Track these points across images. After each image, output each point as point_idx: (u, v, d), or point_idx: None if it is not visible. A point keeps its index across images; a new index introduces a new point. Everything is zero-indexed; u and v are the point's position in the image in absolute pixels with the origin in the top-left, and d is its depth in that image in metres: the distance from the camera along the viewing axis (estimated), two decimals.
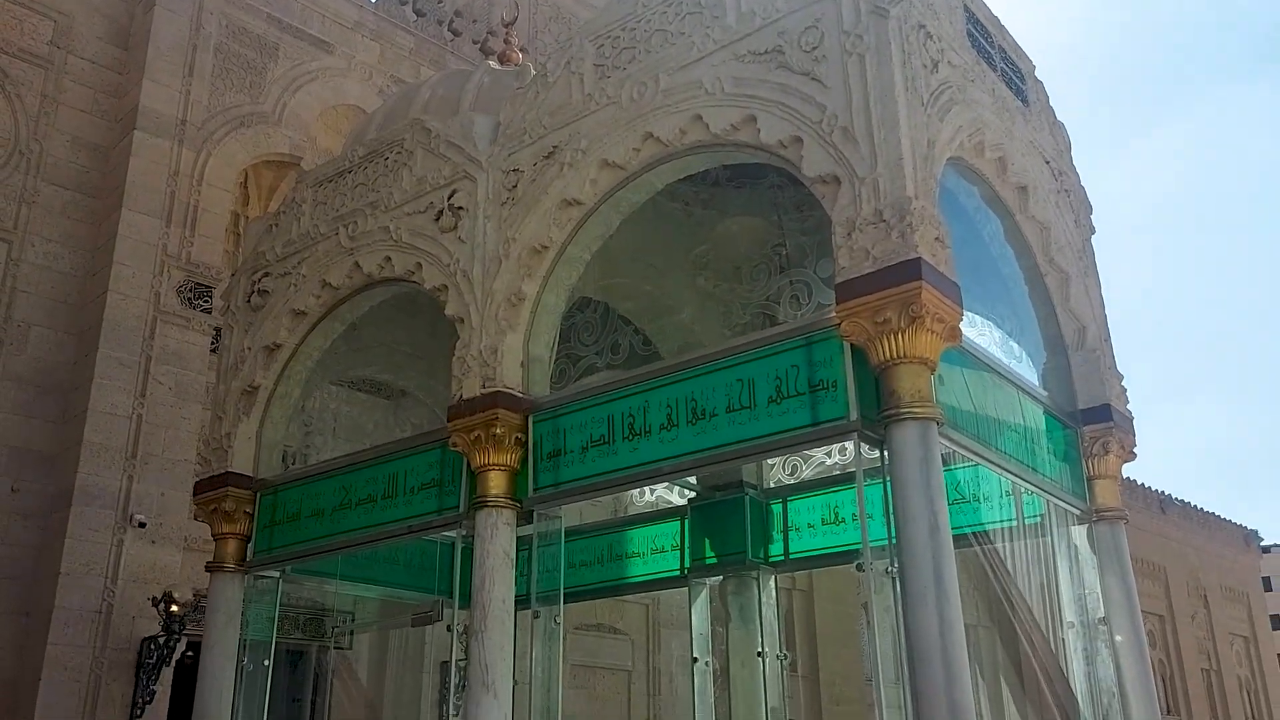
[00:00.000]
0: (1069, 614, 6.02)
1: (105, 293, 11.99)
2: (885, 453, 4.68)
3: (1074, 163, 6.93)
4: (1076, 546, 6.11)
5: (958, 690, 4.09)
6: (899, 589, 4.42)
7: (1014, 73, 6.41)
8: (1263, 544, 47.56)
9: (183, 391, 12.31)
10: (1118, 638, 5.84)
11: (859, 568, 4.74)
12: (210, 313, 12.64)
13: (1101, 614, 5.93)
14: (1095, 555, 6.06)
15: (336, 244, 7.40)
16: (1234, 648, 39.29)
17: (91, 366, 11.75)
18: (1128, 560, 6.11)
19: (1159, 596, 35.06)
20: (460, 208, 6.62)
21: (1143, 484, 35.81)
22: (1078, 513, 6.15)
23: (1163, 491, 36.79)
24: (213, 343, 12.72)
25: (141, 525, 11.59)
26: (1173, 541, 36.13)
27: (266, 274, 7.89)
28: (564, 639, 6.01)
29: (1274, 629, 49.47)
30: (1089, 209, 6.90)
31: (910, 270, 4.61)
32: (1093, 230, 6.89)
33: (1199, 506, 38.90)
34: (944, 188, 5.47)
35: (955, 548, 7.21)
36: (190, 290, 12.65)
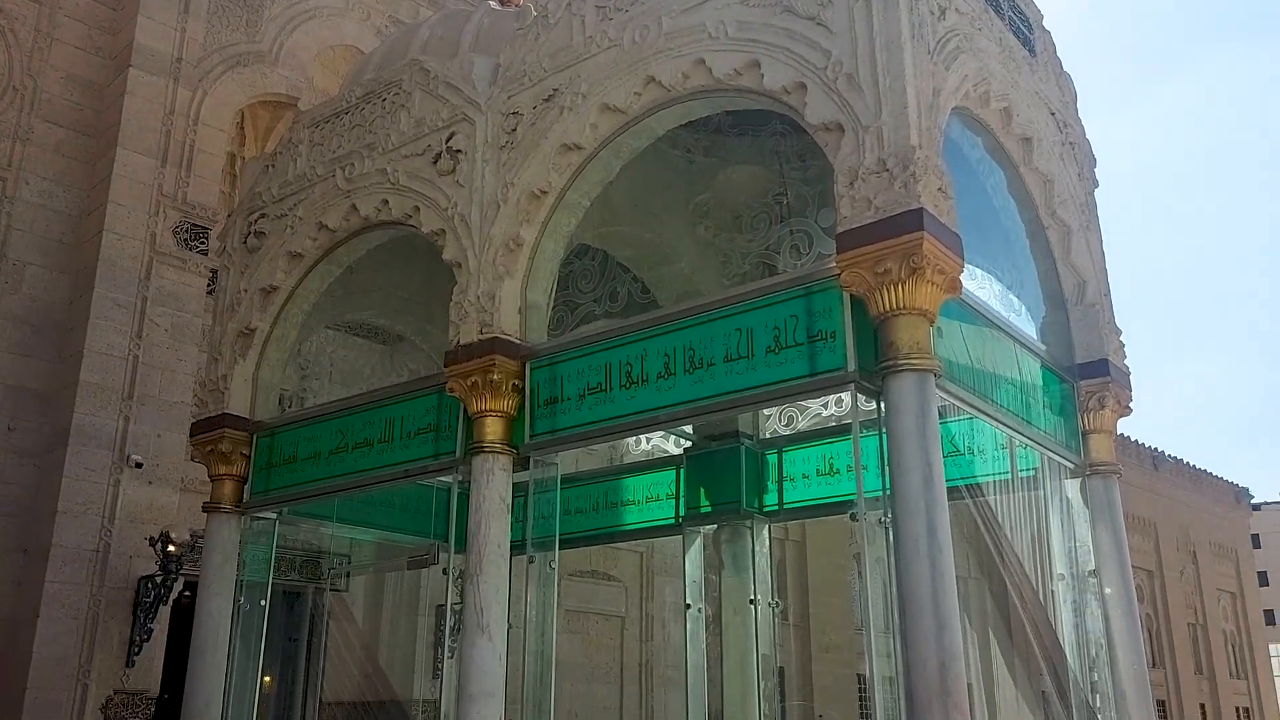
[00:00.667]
0: (1059, 566, 6.07)
1: (101, 232, 11.91)
2: (882, 404, 4.67)
3: (1079, 115, 6.86)
4: (1069, 500, 6.14)
5: (948, 637, 4.13)
6: (891, 539, 4.44)
7: (1021, 22, 6.32)
8: (1253, 501, 47.97)
9: (179, 333, 12.28)
10: (1107, 590, 5.90)
11: (853, 517, 4.76)
12: (207, 254, 12.56)
13: (1092, 567, 5.98)
14: (1087, 509, 6.10)
15: (333, 186, 7.34)
16: (1221, 603, 39.80)
17: (87, 306, 11.70)
18: (1120, 514, 6.15)
19: (1149, 552, 35.43)
20: (459, 151, 6.55)
21: (1136, 440, 36.03)
22: (1071, 466, 6.17)
23: (1156, 448, 37.03)
24: (209, 285, 12.66)
25: (138, 466, 11.62)
26: (1164, 498, 36.44)
27: (263, 215, 7.83)
28: (559, 584, 6.05)
29: (1261, 585, 50.09)
30: (1093, 162, 6.84)
31: (912, 221, 4.57)
32: (1096, 184, 6.83)
33: (1191, 464, 39.17)
34: (948, 138, 5.41)
35: (949, 500, 7.30)
36: (186, 231, 12.56)
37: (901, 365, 4.56)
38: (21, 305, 11.86)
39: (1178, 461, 38.13)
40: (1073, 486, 6.18)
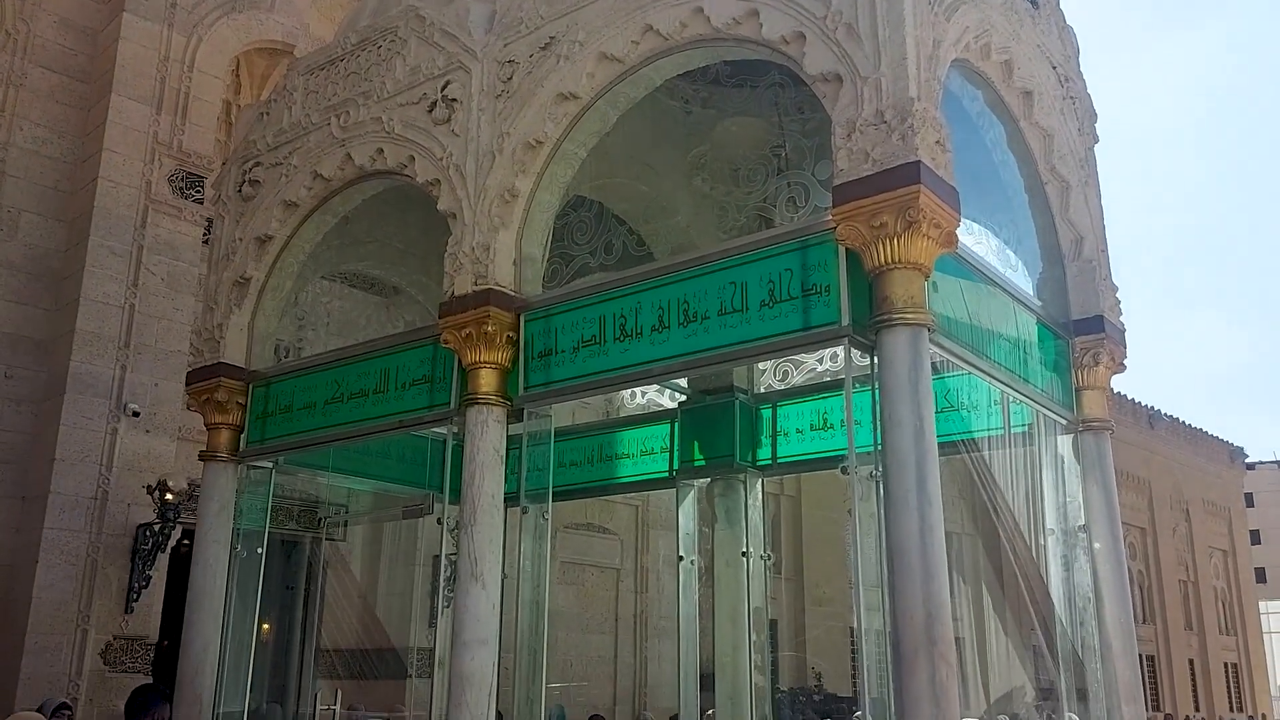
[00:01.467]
0: (1050, 521, 6.11)
1: (95, 180, 11.84)
2: (875, 358, 4.67)
3: (1080, 69, 6.78)
4: (1061, 456, 6.17)
5: (935, 589, 4.16)
6: (882, 493, 4.46)
7: None
8: (1247, 461, 48.24)
9: (175, 282, 12.26)
10: (1096, 545, 5.94)
11: (844, 471, 4.77)
12: (202, 203, 12.51)
13: (1082, 522, 6.01)
14: (1079, 464, 6.12)
15: (328, 134, 7.28)
16: (1212, 560, 40.18)
17: (83, 255, 11.67)
18: (1111, 470, 6.18)
19: (1142, 509, 35.68)
20: (454, 100, 6.48)
21: (1132, 398, 36.16)
22: (1064, 423, 6.18)
23: (1152, 406, 37.16)
24: (205, 233, 12.61)
25: (135, 414, 11.66)
26: (1159, 456, 36.63)
27: (257, 164, 7.77)
28: (554, 536, 6.09)
29: (1253, 544, 50.54)
30: (1093, 117, 6.78)
31: (909, 174, 4.54)
32: (1096, 139, 6.77)
33: (1187, 422, 39.33)
34: (947, 91, 5.35)
35: (943, 455, 7.33)
36: (182, 180, 12.50)
37: (895, 320, 4.55)
38: (17, 253, 11.82)
39: (1173, 420, 38.29)
40: (1065, 442, 6.20)
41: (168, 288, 12.17)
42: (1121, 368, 6.32)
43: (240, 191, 7.82)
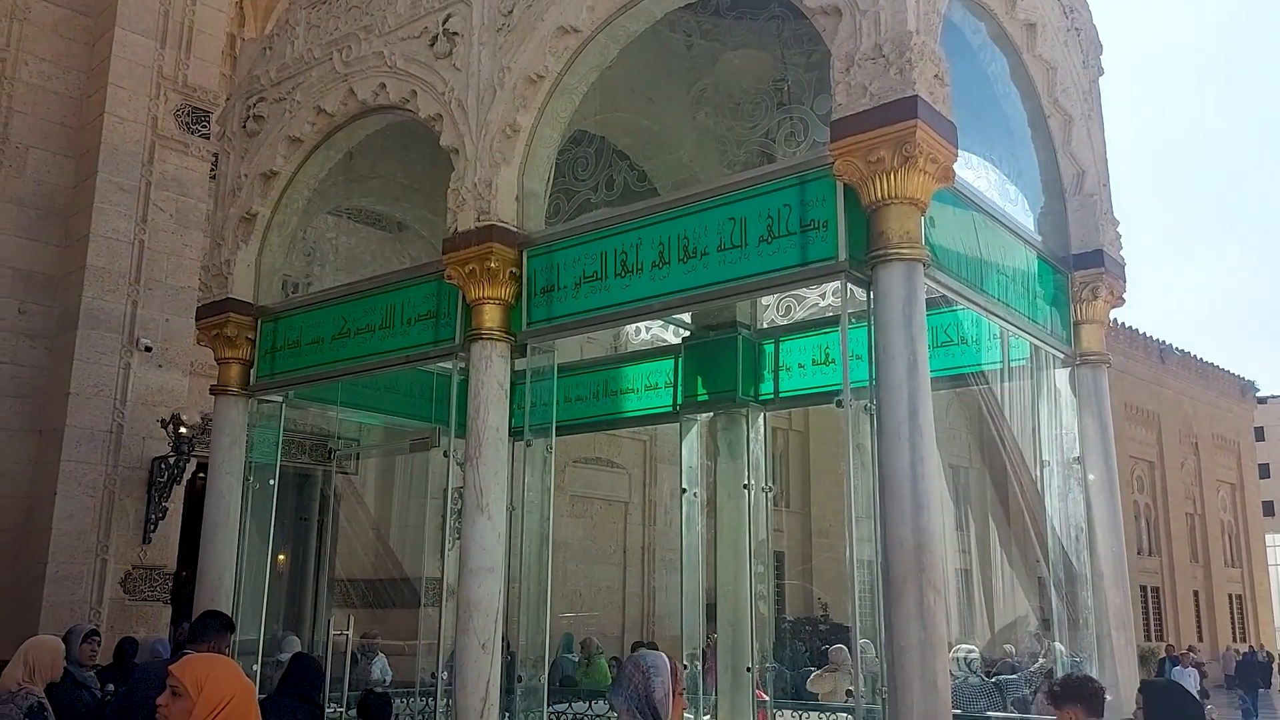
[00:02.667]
0: (1046, 453, 6.20)
1: (102, 115, 11.84)
2: (871, 293, 4.72)
3: None
4: (1058, 389, 6.23)
5: (925, 518, 4.26)
6: (876, 425, 4.54)
7: None
8: (1259, 395, 48.19)
9: (183, 218, 12.31)
10: (1091, 476, 6.03)
11: (839, 404, 4.85)
12: (208, 138, 12.50)
13: (1077, 454, 6.09)
14: (1076, 398, 6.18)
15: (331, 69, 7.27)
16: (1219, 494, 40.39)
17: (91, 191, 11.72)
18: (1107, 403, 6.24)
19: (1151, 443, 35.82)
20: (455, 33, 6.47)
21: (1144, 333, 36.05)
22: (1062, 356, 6.24)
23: (1163, 340, 37.06)
24: (212, 169, 12.62)
25: (148, 350, 11.80)
26: (1169, 390, 36.65)
27: (261, 99, 7.78)
28: (563, 471, 6.21)
29: (1262, 477, 50.73)
30: (1099, 49, 6.71)
31: (906, 108, 4.54)
32: (1101, 71, 6.72)
33: (1198, 356, 39.26)
34: (949, 23, 5.32)
35: (947, 388, 7.40)
36: (188, 115, 12.48)
37: (891, 255, 4.59)
38: (26, 189, 11.87)
39: (1184, 354, 38.21)
40: (1062, 376, 6.26)
41: (176, 224, 12.22)
42: (1120, 302, 6.34)
43: (245, 127, 7.84)
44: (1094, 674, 5.75)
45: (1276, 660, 32.64)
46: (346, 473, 13.36)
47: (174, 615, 11.83)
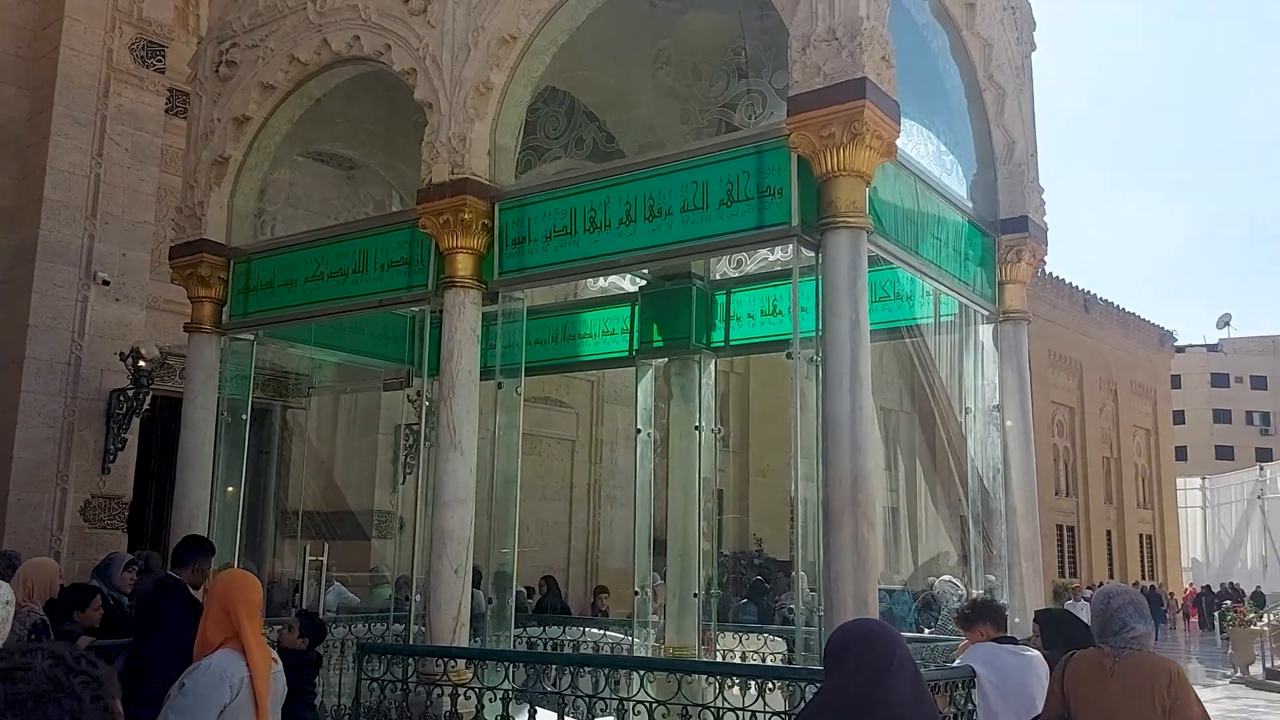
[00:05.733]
0: (969, 401, 6.82)
1: (57, 48, 11.78)
2: (820, 255, 5.22)
3: None
4: (982, 343, 6.83)
5: (861, 458, 4.82)
6: (820, 375, 5.07)
7: None
8: (1177, 344, 50.15)
9: (139, 153, 12.35)
10: (1008, 422, 6.66)
11: (789, 356, 5.38)
12: (164, 72, 12.51)
13: (996, 402, 6.72)
14: (997, 351, 6.79)
15: (305, 19, 7.50)
16: (1135, 439, 42.14)
17: (48, 123, 11.71)
18: (1025, 356, 6.87)
19: (1072, 390, 37.23)
20: None
21: (1070, 283, 37.27)
22: (987, 313, 6.83)
23: (1088, 290, 38.33)
24: (167, 104, 12.67)
25: (105, 283, 11.91)
26: (1091, 339, 38.02)
27: (234, 44, 7.97)
28: (498, 408, 6.63)
29: (1177, 423, 52.97)
30: (1032, 26, 7.23)
31: (856, 89, 5.01)
32: (1034, 47, 7.24)
33: (1120, 306, 40.68)
34: (897, 2, 5.78)
35: (884, 339, 7.96)
36: (143, 49, 12.45)
37: (839, 223, 5.08)
38: None
39: (1107, 304, 39.57)
40: (986, 331, 6.86)
41: (132, 158, 12.25)
42: (1042, 264, 6.95)
43: (217, 72, 8.04)
44: (1005, 599, 6.46)
45: (1166, 602, 34.70)
46: (298, 408, 13.67)
47: (130, 542, 12.12)
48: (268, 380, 12.32)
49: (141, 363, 11.59)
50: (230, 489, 7.95)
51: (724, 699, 4.74)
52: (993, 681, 4.67)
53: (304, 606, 9.34)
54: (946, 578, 6.56)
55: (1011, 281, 6.87)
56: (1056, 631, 5.06)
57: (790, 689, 4.84)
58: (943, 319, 7.07)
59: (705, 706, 4.79)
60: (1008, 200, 6.89)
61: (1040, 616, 5.34)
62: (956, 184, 6.73)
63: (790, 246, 5.61)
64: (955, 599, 8.87)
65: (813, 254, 5.33)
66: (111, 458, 11.93)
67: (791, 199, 5.32)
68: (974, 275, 6.68)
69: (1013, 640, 4.98)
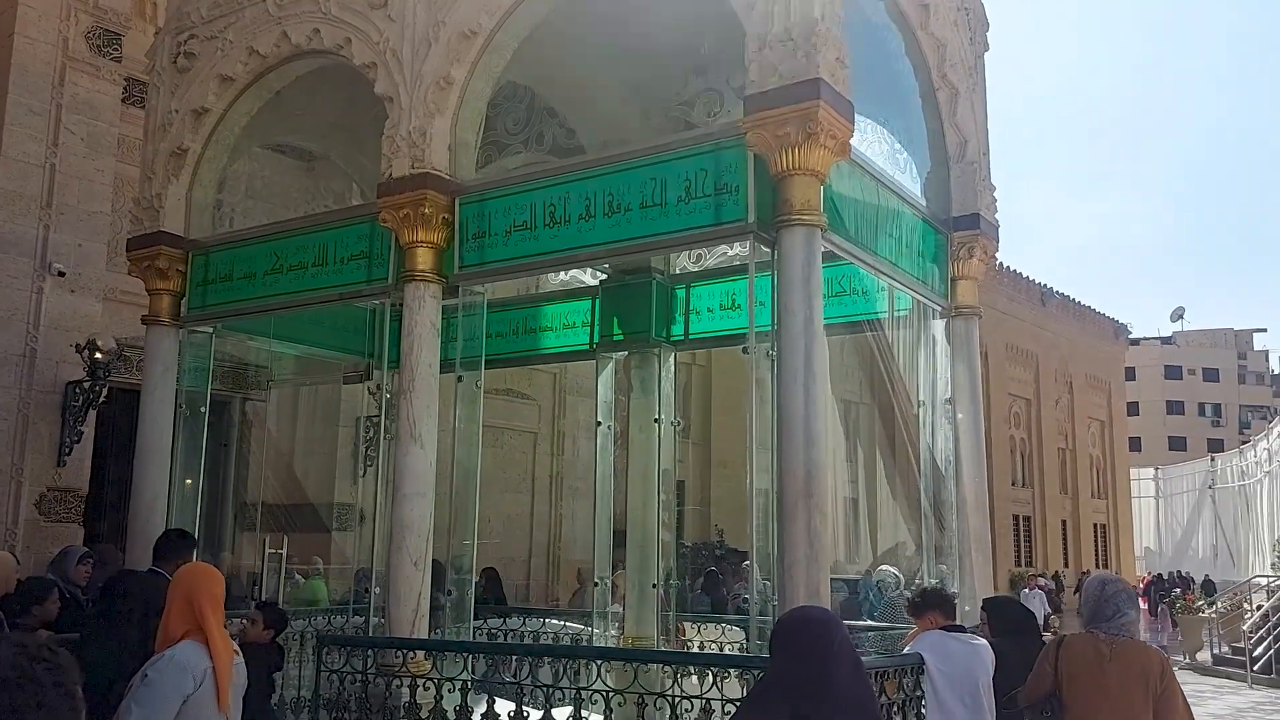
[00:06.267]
0: (922, 394, 6.96)
1: (12, 36, 11.62)
2: (775, 252, 5.32)
3: None
4: (935, 337, 6.97)
5: (814, 451, 4.93)
6: (775, 370, 5.18)
7: None
8: (1133, 336, 51.05)
9: (95, 143, 12.21)
10: (960, 416, 6.81)
11: (745, 350, 5.48)
12: (120, 61, 12.37)
13: (948, 395, 6.87)
14: (949, 345, 6.94)
15: (264, 11, 7.48)
16: (1090, 430, 42.85)
17: (1, 112, 11.54)
18: (977, 351, 7.02)
19: (1029, 382, 37.76)
20: None
21: (1028, 277, 37.78)
22: (939, 309, 6.97)
23: (1045, 284, 38.87)
24: (124, 93, 12.53)
25: (60, 274, 11.78)
26: (1048, 332, 38.57)
27: (193, 36, 7.92)
28: (459, 400, 6.68)
29: (1131, 415, 53.95)
30: (985, 26, 7.36)
31: (811, 90, 5.10)
32: (987, 47, 7.38)
33: (1076, 300, 41.30)
34: (855, 3, 5.89)
35: (843, 333, 8.07)
36: (99, 37, 12.30)
37: (794, 220, 5.18)
38: None
39: (1064, 297, 40.16)
40: (939, 326, 7.00)
41: (88, 148, 12.11)
42: (993, 260, 7.10)
43: (175, 63, 7.99)
44: (956, 588, 6.62)
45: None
46: (257, 400, 13.59)
47: (86, 536, 12.01)
48: (227, 372, 12.25)
49: (98, 355, 11.48)
50: (188, 482, 7.93)
51: (680, 688, 4.84)
52: (940, 669, 4.80)
53: (264, 598, 9.34)
54: (885, 567, 6.71)
55: (964, 277, 7.01)
56: (1003, 619, 5.22)
57: (745, 677, 4.95)
58: (898, 314, 7.20)
59: (660, 695, 4.89)
60: (960, 198, 7.03)
61: (987, 605, 5.50)
62: (911, 182, 6.85)
63: (748, 243, 5.68)
64: (894, 589, 9.05)
65: (769, 250, 5.42)
66: (67, 451, 11.81)
67: (748, 196, 5.42)
68: (928, 271, 6.81)
69: (961, 629, 5.12)
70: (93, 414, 11.94)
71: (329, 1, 7.11)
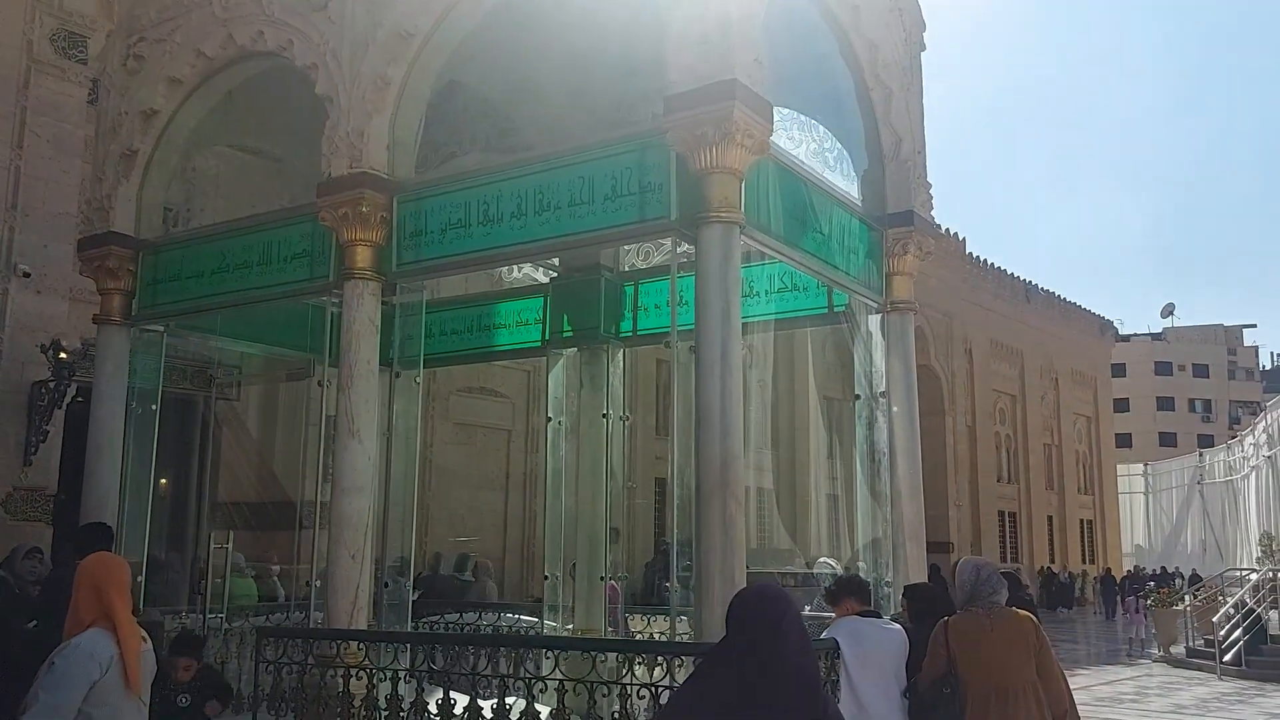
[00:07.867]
0: (858, 388, 7.07)
1: None
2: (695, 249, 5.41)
3: None
4: (870, 332, 7.07)
5: (730, 442, 5.03)
6: (694, 363, 5.27)
7: None
8: (1122, 333, 51.25)
9: (61, 145, 12.28)
10: (894, 409, 6.91)
11: (666, 345, 5.58)
12: (85, 63, 12.44)
13: (883, 389, 6.97)
14: (884, 340, 7.03)
15: (210, 14, 7.56)
16: (1076, 426, 42.99)
17: None
18: (911, 345, 7.12)
19: (1014, 379, 37.89)
20: None
21: (1011, 273, 37.92)
22: (874, 304, 7.07)
23: (1029, 281, 39.02)
24: (90, 95, 12.57)
25: (26, 275, 11.85)
26: (1032, 328, 38.71)
27: (142, 39, 8.00)
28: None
29: (1120, 411, 54.14)
30: (922, 27, 7.46)
31: (726, 91, 5.20)
32: (923, 47, 7.47)
33: (1061, 296, 41.46)
34: (787, 5, 5.99)
35: (788, 329, 8.15)
36: (64, 39, 12.37)
37: (712, 217, 5.28)
38: None
39: (1048, 294, 40.31)
40: (874, 321, 7.10)
41: (53, 149, 12.19)
42: (928, 256, 7.20)
43: (125, 65, 8.07)
44: (891, 578, 6.73)
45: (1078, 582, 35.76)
46: (229, 399, 13.67)
47: (55, 534, 12.08)
48: (195, 372, 12.33)
49: (62, 355, 11.56)
50: (141, 479, 8.00)
51: (598, 674, 4.93)
52: (854, 652, 4.89)
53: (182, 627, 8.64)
54: (823, 559, 6.82)
55: (899, 273, 7.11)
56: (919, 604, 5.32)
57: (680, 663, 5.02)
58: (837, 309, 7.30)
59: (581, 681, 4.98)
60: (895, 195, 7.13)
61: (909, 592, 5.61)
62: (845, 180, 6.95)
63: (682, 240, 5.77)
64: (831, 579, 9.14)
65: (694, 247, 5.52)
66: (34, 450, 11.88)
67: (671, 194, 5.52)
68: (862, 268, 6.91)
69: (875, 614, 5.21)
70: (59, 414, 12.01)
71: (272, 4, 7.19)
